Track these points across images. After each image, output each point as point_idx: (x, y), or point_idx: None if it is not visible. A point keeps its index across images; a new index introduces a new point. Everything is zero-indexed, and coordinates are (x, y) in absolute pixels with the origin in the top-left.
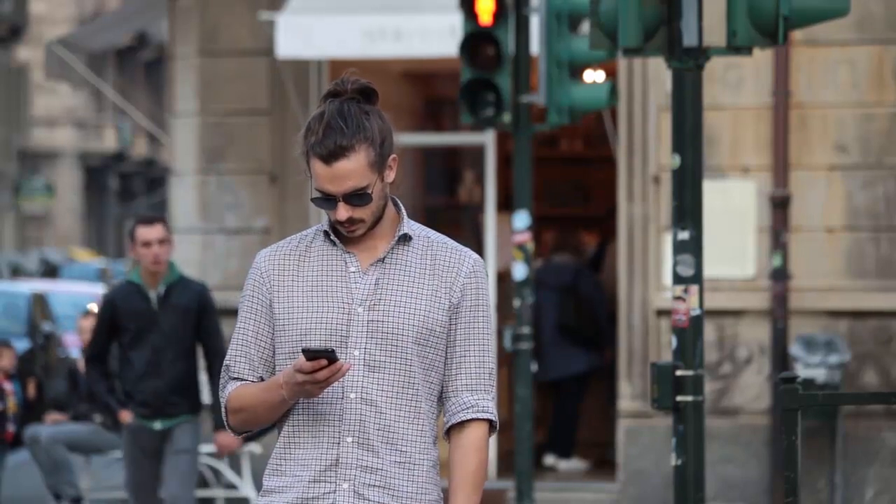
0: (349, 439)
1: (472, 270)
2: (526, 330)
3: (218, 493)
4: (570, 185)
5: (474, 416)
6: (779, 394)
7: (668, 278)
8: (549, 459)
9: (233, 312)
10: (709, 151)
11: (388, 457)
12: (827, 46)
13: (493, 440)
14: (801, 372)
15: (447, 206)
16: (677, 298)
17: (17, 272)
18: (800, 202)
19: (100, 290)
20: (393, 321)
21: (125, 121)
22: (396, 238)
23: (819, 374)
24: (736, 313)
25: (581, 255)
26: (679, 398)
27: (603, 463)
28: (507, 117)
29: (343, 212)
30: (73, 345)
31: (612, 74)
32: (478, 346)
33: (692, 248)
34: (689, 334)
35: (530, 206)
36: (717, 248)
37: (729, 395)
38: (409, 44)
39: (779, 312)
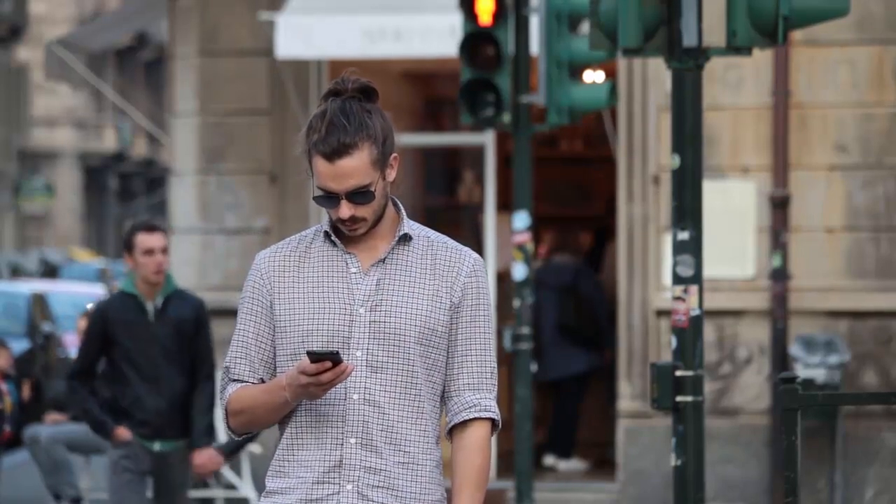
0: (352, 440)
1: (472, 270)
2: (526, 330)
3: (218, 493)
4: (570, 185)
5: (477, 415)
6: (779, 394)
7: (667, 278)
8: (549, 459)
9: (233, 313)
10: (709, 151)
11: (391, 457)
12: (827, 46)
13: (493, 440)
14: (801, 372)
15: (447, 206)
16: (677, 298)
17: (16, 272)
18: (800, 202)
19: (100, 290)
20: (395, 322)
21: (125, 121)
22: (397, 238)
23: (819, 375)
24: (736, 313)
25: (579, 255)
26: (679, 398)
27: (603, 463)
28: (506, 117)
29: (346, 210)
30: (73, 345)
31: (611, 74)
32: (479, 345)
33: (692, 248)
34: (688, 334)
35: (530, 206)
36: (717, 249)
37: (729, 395)
38: (409, 44)
39: (779, 312)
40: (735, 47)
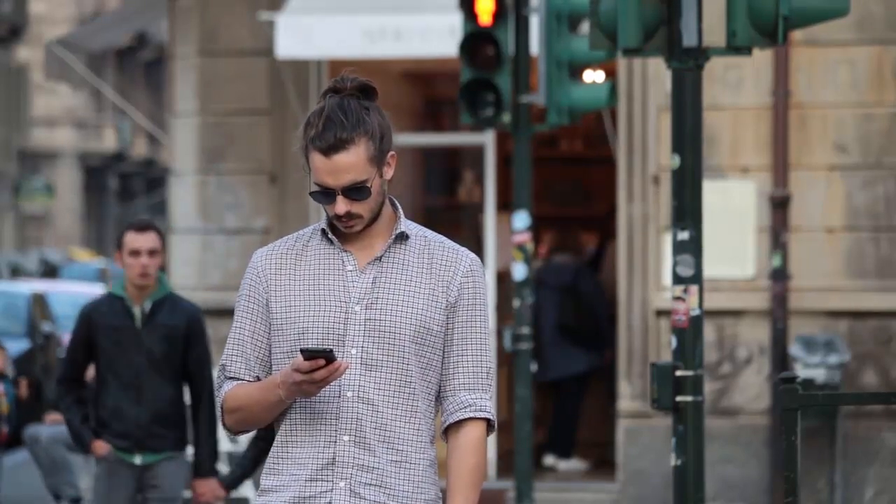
0: (346, 438)
1: (469, 270)
2: (526, 330)
3: None
4: (570, 185)
5: (472, 415)
6: (778, 394)
7: (667, 278)
8: (549, 459)
9: (232, 313)
10: (709, 151)
11: (384, 455)
12: (827, 46)
13: (492, 440)
14: (801, 372)
15: (447, 206)
16: (677, 298)
17: (16, 272)
18: (799, 202)
19: (99, 290)
20: (390, 320)
21: (125, 121)
22: (393, 237)
23: (819, 375)
24: (736, 313)
25: (580, 255)
26: (679, 398)
27: (603, 463)
28: (506, 117)
29: (342, 205)
30: None
31: (611, 74)
32: (475, 345)
33: (692, 248)
34: (688, 334)
35: (530, 206)
36: (717, 249)
37: (729, 395)
38: (409, 44)
39: (778, 312)
40: (735, 47)
